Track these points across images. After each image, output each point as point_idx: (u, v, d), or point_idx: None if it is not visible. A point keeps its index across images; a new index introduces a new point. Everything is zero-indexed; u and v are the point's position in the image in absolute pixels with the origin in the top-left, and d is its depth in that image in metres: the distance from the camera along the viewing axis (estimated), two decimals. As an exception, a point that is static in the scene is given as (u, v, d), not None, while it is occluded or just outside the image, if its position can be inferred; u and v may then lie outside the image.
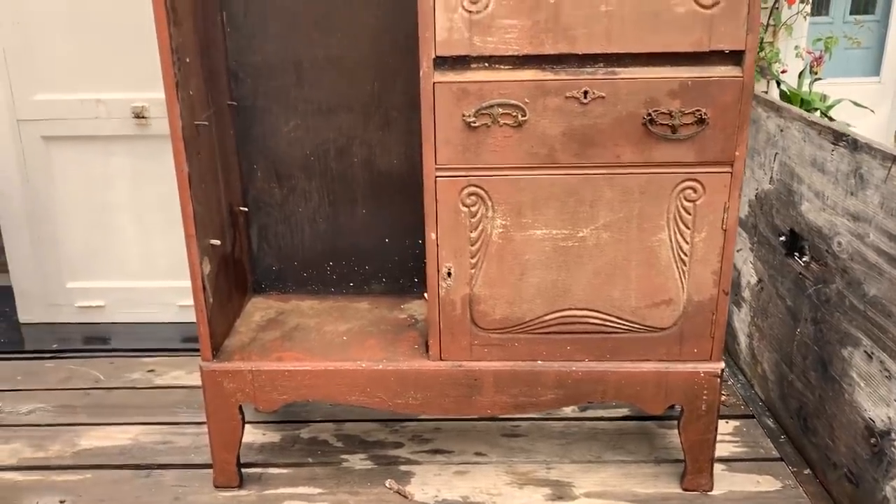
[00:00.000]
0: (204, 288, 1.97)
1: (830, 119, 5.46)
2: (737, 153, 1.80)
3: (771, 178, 2.43)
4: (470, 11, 1.73)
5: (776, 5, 6.03)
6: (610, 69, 1.77)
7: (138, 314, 3.10)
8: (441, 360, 2.03)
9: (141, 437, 2.43)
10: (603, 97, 1.78)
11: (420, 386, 2.04)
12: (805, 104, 5.48)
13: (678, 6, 1.71)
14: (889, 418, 1.82)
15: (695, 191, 1.84)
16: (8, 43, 2.77)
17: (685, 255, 1.90)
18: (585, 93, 1.78)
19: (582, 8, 1.72)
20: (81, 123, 2.86)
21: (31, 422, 2.52)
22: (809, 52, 5.90)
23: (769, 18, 5.94)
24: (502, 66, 1.78)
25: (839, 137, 2.04)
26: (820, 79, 5.70)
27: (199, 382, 2.08)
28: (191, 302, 2.00)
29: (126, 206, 2.97)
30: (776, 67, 5.91)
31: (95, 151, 2.90)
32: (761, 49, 5.63)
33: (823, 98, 5.64)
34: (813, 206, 2.17)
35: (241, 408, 2.09)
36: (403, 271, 2.39)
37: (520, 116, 1.80)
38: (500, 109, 1.80)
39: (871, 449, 1.90)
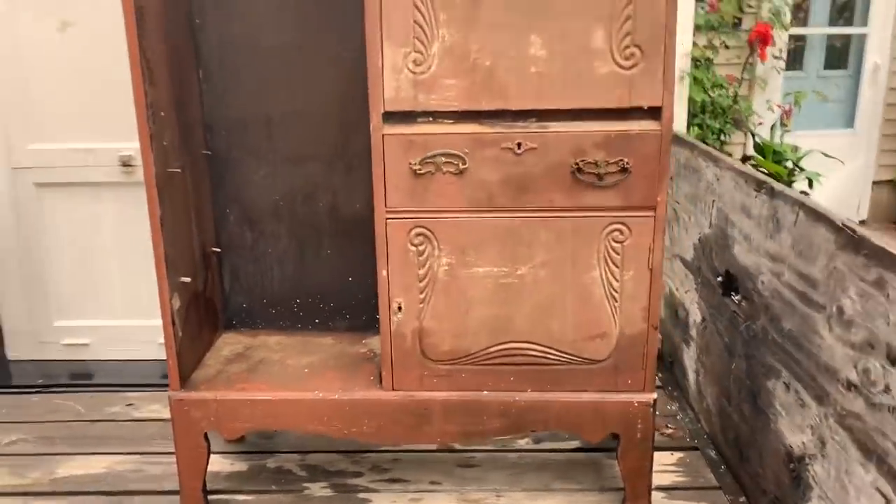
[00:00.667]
0: (173, 322, 2.13)
1: (801, 169, 5.68)
2: (658, 199, 1.98)
3: (710, 222, 2.61)
4: (414, 72, 1.93)
5: (749, 60, 6.29)
6: (541, 123, 1.96)
7: (121, 351, 3.24)
8: (393, 390, 2.17)
9: (116, 465, 2.56)
10: (535, 148, 1.96)
11: (373, 414, 2.18)
12: (777, 155, 5.68)
13: (601, 67, 1.91)
14: (803, 444, 1.96)
15: (622, 233, 2.01)
16: (4, 95, 2.99)
17: (616, 292, 2.06)
18: (519, 144, 1.96)
19: (514, 69, 1.91)
20: (72, 171, 3.05)
21: (13, 451, 2.65)
22: (779, 106, 6.14)
23: (742, 73, 6.20)
24: (445, 121, 1.97)
25: (760, 185, 2.21)
26: (789, 131, 5.92)
27: (169, 412, 2.22)
28: (170, 340, 2.15)
29: (111, 249, 3.15)
30: (753, 120, 6.15)
31: (84, 197, 3.09)
32: (735, 102, 5.88)
33: (795, 149, 5.85)
34: (742, 248, 2.34)
35: (206, 436, 2.23)
36: (366, 308, 2.55)
37: (461, 165, 1.98)
38: (444, 159, 1.98)
39: (790, 475, 2.03)
